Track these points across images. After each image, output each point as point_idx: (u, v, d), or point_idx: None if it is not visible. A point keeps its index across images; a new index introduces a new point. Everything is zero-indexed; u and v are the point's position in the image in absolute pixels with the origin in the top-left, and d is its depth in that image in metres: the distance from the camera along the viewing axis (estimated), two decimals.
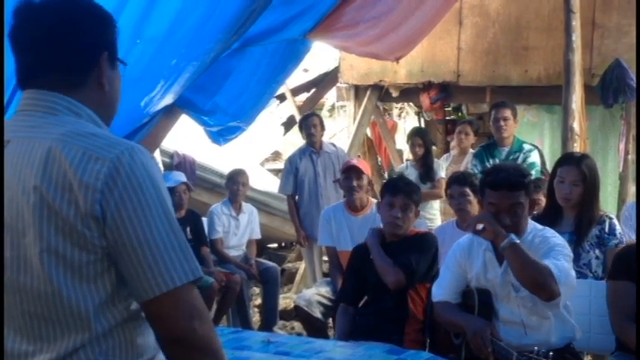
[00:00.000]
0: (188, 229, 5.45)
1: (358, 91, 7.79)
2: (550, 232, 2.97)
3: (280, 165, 8.83)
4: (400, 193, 3.55)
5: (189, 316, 1.33)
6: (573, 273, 2.85)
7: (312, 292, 4.22)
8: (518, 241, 2.75)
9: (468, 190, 4.03)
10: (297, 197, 5.88)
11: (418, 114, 9.55)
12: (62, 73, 1.41)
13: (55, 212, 1.29)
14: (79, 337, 1.33)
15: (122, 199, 1.29)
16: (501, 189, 2.87)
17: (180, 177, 5.58)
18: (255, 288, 6.26)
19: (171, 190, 5.29)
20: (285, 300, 6.27)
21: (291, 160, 5.88)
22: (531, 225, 2.97)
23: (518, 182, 2.89)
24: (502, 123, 5.10)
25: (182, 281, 1.31)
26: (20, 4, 1.40)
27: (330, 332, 4.33)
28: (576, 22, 5.30)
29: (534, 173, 4.72)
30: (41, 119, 1.38)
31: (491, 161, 5.05)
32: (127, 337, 1.37)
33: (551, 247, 2.85)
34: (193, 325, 1.33)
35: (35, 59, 1.42)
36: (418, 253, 3.46)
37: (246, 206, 5.90)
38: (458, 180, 4.16)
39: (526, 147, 5.16)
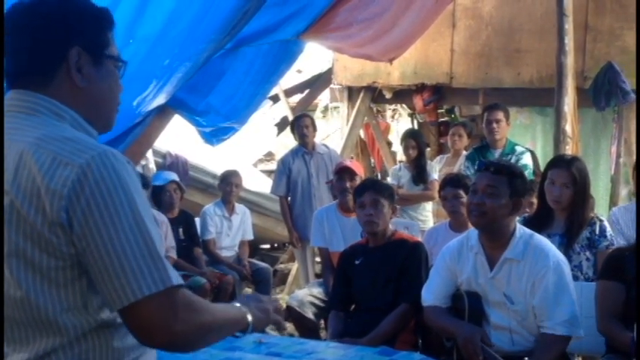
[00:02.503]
0: (181, 229, 5.44)
1: (351, 92, 7.80)
2: (542, 242, 2.91)
3: (273, 166, 8.82)
4: (366, 190, 3.60)
5: (165, 323, 1.27)
6: (572, 285, 2.86)
7: (304, 293, 4.22)
8: None
9: (461, 192, 4.04)
10: (290, 198, 5.88)
11: (411, 116, 9.57)
12: (30, 70, 1.39)
13: (23, 218, 1.27)
14: (51, 341, 1.31)
15: (89, 205, 1.25)
16: (484, 170, 2.91)
17: (170, 175, 5.57)
18: (247, 289, 6.25)
19: (161, 188, 5.28)
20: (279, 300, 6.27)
21: (283, 161, 5.88)
22: (520, 230, 2.93)
23: (501, 166, 2.91)
24: (495, 125, 5.12)
25: (151, 290, 1.25)
26: (9, 8, 1.40)
27: (323, 333, 4.33)
28: (569, 25, 5.32)
29: (527, 175, 4.74)
30: (23, 121, 1.35)
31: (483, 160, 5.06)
32: (103, 341, 1.34)
33: (549, 273, 2.78)
34: (172, 328, 1.28)
35: (11, 59, 1.40)
36: (406, 269, 3.48)
37: (239, 207, 5.90)
38: (451, 182, 4.17)
39: (518, 149, 5.17)
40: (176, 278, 1.31)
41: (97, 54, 1.43)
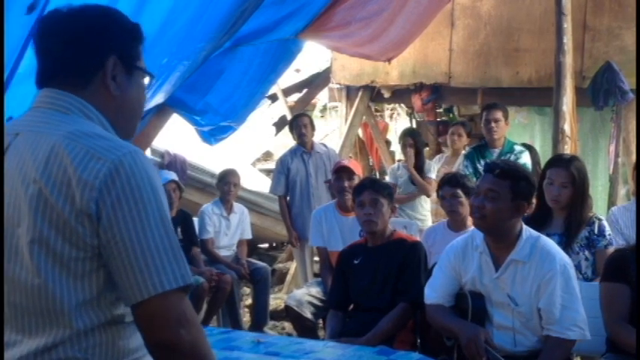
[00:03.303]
0: (179, 229, 5.43)
1: (350, 91, 7.80)
2: (548, 244, 2.88)
3: (272, 165, 8.83)
4: (366, 190, 3.60)
5: (177, 322, 1.32)
6: (578, 288, 2.84)
7: (302, 293, 4.21)
8: None
9: (459, 191, 4.03)
10: (288, 198, 5.87)
11: (410, 115, 9.57)
12: (69, 72, 1.46)
13: (50, 205, 1.31)
14: (60, 333, 1.34)
15: (119, 199, 1.31)
16: (487, 173, 2.89)
17: (170, 175, 5.55)
18: (245, 288, 6.24)
19: None
20: (276, 300, 6.26)
21: (282, 161, 5.87)
22: (526, 231, 2.90)
23: (505, 169, 2.86)
24: (493, 124, 5.11)
25: (172, 286, 1.31)
26: (48, 13, 1.50)
27: (321, 332, 4.32)
28: (567, 25, 5.32)
29: None
30: (53, 116, 1.42)
31: (482, 162, 5.05)
32: (109, 338, 1.38)
33: (556, 276, 2.76)
34: (180, 331, 1.32)
35: (47, 60, 1.48)
36: (405, 269, 3.48)
37: (237, 206, 5.88)
38: (449, 181, 4.16)
39: (517, 148, 5.16)
40: (191, 277, 1.37)
41: (129, 65, 1.51)
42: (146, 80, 1.59)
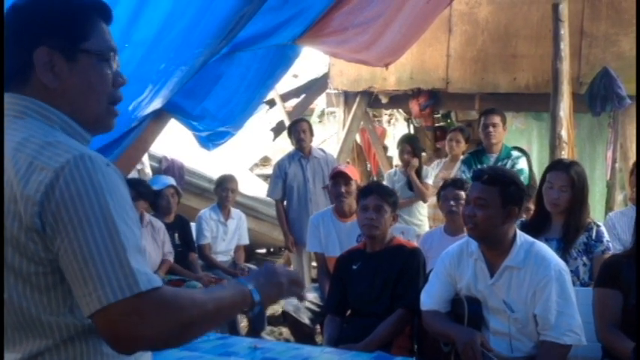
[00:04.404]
0: (177, 234, 5.43)
1: (348, 97, 7.81)
2: (543, 250, 2.88)
3: (269, 170, 8.82)
4: (372, 194, 3.60)
5: (131, 330, 1.23)
6: (573, 293, 2.84)
7: None
8: None
9: (462, 193, 4.05)
10: (285, 202, 5.87)
11: (407, 120, 9.58)
12: (8, 73, 1.37)
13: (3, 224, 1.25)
14: (37, 343, 1.29)
15: (58, 208, 1.22)
16: (476, 180, 2.89)
17: (168, 180, 5.55)
18: None
19: (159, 193, 5.27)
20: (273, 306, 6.25)
21: (280, 165, 5.88)
22: (521, 237, 2.90)
23: (493, 176, 2.84)
24: (491, 129, 5.12)
25: (116, 297, 1.20)
26: None
27: (319, 338, 4.32)
28: (565, 31, 5.34)
29: (522, 180, 4.73)
30: (9, 125, 1.33)
31: (479, 167, 5.06)
32: (91, 345, 1.32)
33: (551, 282, 2.75)
34: (141, 334, 1.23)
35: None
36: (404, 275, 3.48)
37: (235, 212, 5.88)
38: (454, 183, 4.23)
39: (514, 154, 5.17)
40: (147, 282, 1.24)
41: (69, 51, 1.37)
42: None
